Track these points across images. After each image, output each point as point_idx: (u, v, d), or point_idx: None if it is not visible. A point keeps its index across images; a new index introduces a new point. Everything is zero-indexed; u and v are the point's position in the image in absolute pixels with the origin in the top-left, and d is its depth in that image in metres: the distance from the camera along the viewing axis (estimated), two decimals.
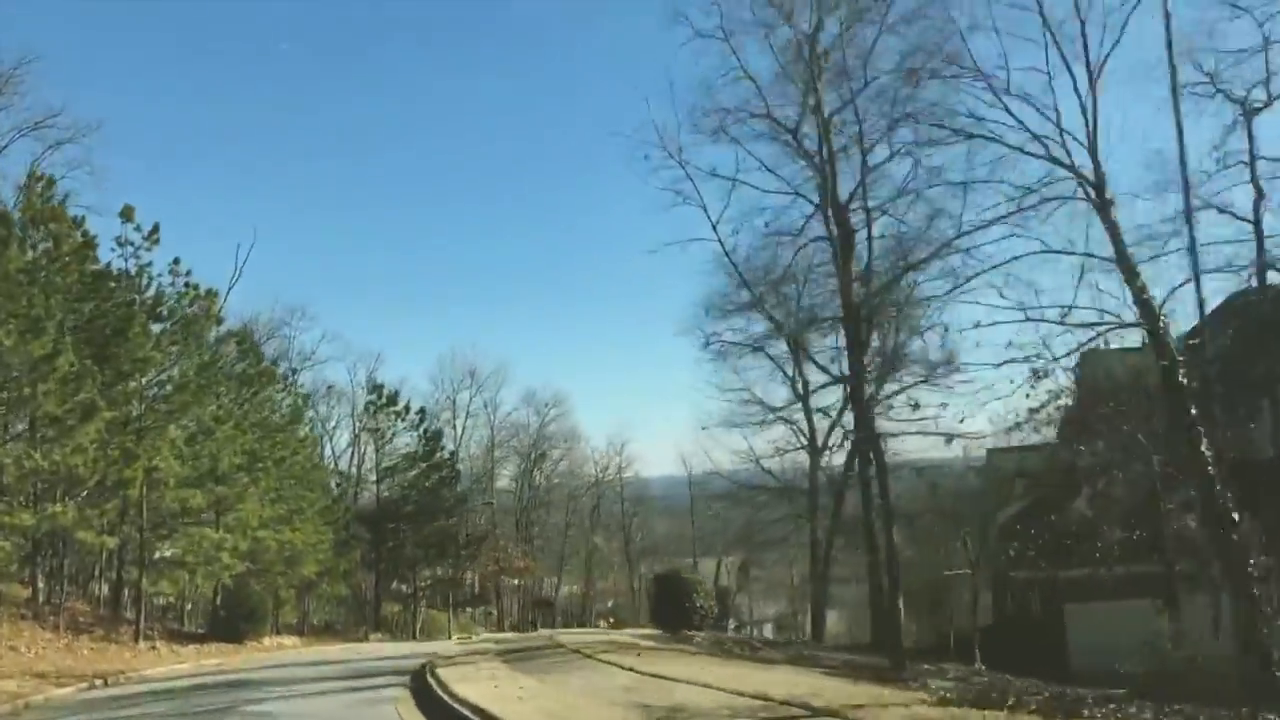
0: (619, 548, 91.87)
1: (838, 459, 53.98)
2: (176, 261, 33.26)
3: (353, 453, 65.68)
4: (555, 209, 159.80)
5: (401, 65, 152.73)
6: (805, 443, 53.46)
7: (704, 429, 57.03)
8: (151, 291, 31.57)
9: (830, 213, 39.68)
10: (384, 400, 55.85)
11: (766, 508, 58.94)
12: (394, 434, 56.44)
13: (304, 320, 66.03)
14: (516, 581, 67.74)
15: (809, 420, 53.75)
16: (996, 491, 39.41)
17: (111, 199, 65.07)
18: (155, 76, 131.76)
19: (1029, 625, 35.00)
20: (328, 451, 62.89)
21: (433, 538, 53.99)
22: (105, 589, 35.69)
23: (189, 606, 38.24)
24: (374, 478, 56.69)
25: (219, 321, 35.79)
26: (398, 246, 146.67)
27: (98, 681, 21.05)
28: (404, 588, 55.58)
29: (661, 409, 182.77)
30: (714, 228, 46.47)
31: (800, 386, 54.45)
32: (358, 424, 64.85)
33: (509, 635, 43.28)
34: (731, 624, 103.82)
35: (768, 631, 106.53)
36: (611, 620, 72.28)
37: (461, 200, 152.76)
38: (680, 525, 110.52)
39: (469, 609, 63.74)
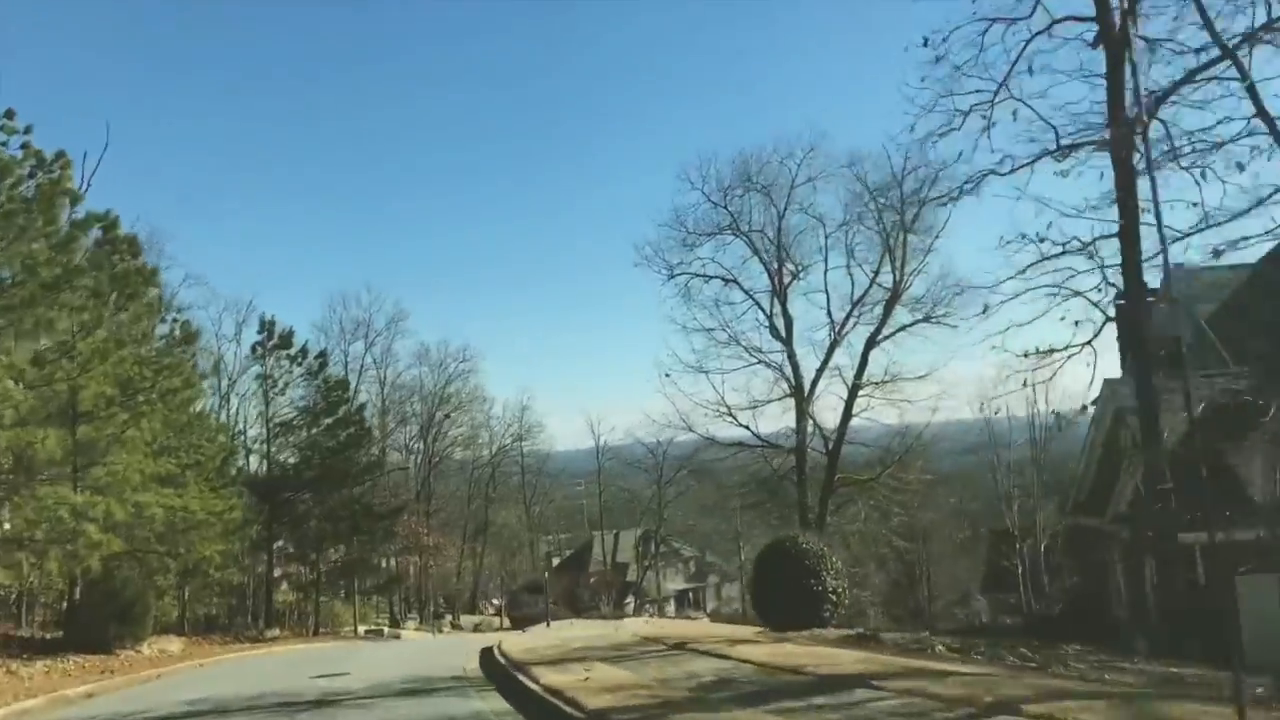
0: (521, 521, 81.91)
1: (826, 414, 46.46)
2: (9, 115, 22.36)
3: (225, 412, 53.70)
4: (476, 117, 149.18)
5: None
6: (789, 389, 45.16)
7: (666, 375, 47.54)
8: None
9: None
10: (276, 341, 44.42)
11: (742, 471, 50.32)
12: (287, 384, 45.06)
13: (162, 259, 53.68)
14: (425, 562, 57.07)
15: (793, 364, 45.49)
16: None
17: None
18: None
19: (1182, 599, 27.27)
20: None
21: (341, 510, 43.16)
22: None
23: (39, 602, 26.98)
24: (264, 438, 45.26)
25: (76, 200, 24.44)
26: (266, 172, 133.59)
27: None
28: (305, 572, 44.52)
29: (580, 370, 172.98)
30: None
31: (782, 325, 46.29)
32: (228, 381, 53.15)
33: (547, 639, 33.05)
34: (631, 601, 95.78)
35: (670, 610, 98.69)
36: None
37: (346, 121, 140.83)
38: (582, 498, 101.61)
39: (378, 596, 52.95)
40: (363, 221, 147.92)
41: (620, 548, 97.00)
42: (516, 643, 20.41)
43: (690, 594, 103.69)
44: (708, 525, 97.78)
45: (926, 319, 43.19)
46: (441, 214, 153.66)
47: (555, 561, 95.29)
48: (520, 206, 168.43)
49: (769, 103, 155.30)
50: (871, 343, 44.36)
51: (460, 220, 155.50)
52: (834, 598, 20.34)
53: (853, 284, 46.05)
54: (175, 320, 31.04)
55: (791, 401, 45.17)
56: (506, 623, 69.55)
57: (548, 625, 36.14)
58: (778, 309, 46.03)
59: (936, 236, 43.56)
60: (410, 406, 70.46)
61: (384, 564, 50.14)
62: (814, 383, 45.10)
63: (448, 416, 68.97)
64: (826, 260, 45.84)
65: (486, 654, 18.56)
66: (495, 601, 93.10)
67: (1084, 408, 24.40)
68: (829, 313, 45.66)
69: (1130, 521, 26.21)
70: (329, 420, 44.38)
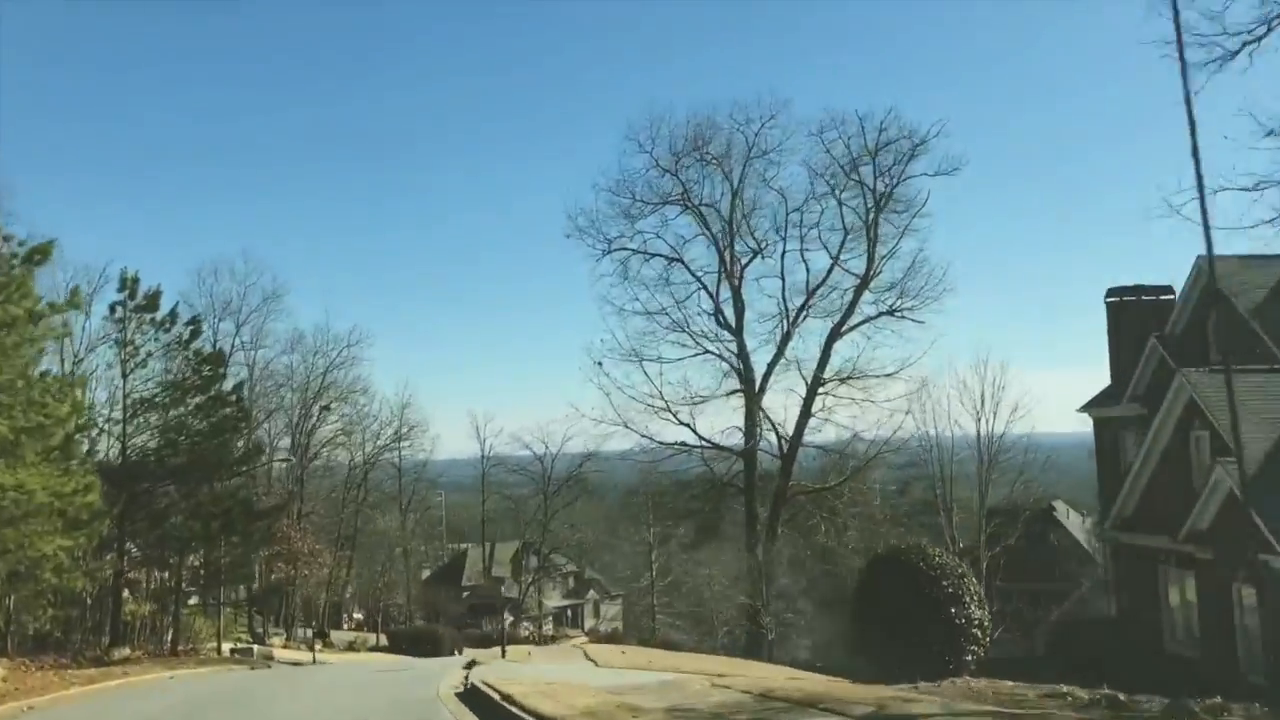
0: (398, 529, 74.43)
1: (778, 413, 41.35)
2: None
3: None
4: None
5: None
6: (740, 383, 39.94)
7: (598, 363, 41.84)
8: None
9: None
10: (140, 302, 36.64)
11: (669, 476, 44.70)
12: (150, 355, 37.24)
13: None
14: (298, 571, 49.46)
15: (743, 356, 40.36)
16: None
17: None
18: None
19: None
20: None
21: (212, 505, 35.69)
22: None
23: None
24: (118, 418, 37.27)
25: None
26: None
27: None
28: (163, 578, 36.80)
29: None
30: None
31: (732, 312, 41.11)
32: (74, 359, 44.58)
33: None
34: (508, 619, 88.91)
35: (548, 628, 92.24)
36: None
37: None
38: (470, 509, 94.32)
39: (237, 610, 45.19)
40: (238, 188, 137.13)
41: (496, 561, 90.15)
42: (524, 690, 14.23)
43: (569, 611, 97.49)
44: (589, 538, 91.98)
45: (890, 312, 38.80)
46: (330, 181, 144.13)
47: (425, 574, 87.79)
48: (426, 181, 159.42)
49: (728, 65, 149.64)
50: (835, 334, 39.83)
51: (354, 191, 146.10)
52: (978, 634, 14.96)
53: (808, 271, 41.54)
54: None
55: (738, 400, 40.08)
56: (383, 641, 62.15)
57: (503, 654, 28.99)
58: (727, 293, 41.02)
59: (915, 216, 39.29)
60: (284, 396, 62.42)
61: (264, 572, 42.65)
62: (765, 376, 40.21)
63: (325, 409, 61.23)
64: (785, 240, 41.16)
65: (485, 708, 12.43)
66: (357, 616, 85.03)
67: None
68: (783, 300, 41.01)
69: (1217, 542, 21.86)
70: (200, 399, 36.83)
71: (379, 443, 72.55)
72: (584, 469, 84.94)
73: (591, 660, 20.28)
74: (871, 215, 39.56)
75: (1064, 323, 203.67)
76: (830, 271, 40.50)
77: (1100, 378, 34.60)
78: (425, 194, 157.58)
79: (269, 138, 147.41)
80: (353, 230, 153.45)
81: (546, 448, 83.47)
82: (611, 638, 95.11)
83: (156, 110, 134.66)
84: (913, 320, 38.86)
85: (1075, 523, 56.30)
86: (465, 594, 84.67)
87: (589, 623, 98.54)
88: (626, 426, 42.65)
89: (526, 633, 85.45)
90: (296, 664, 35.22)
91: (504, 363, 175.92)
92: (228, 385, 39.13)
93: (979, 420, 45.95)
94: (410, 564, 76.10)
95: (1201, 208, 8.92)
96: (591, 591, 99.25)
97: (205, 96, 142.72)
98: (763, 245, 41.57)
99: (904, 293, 39.07)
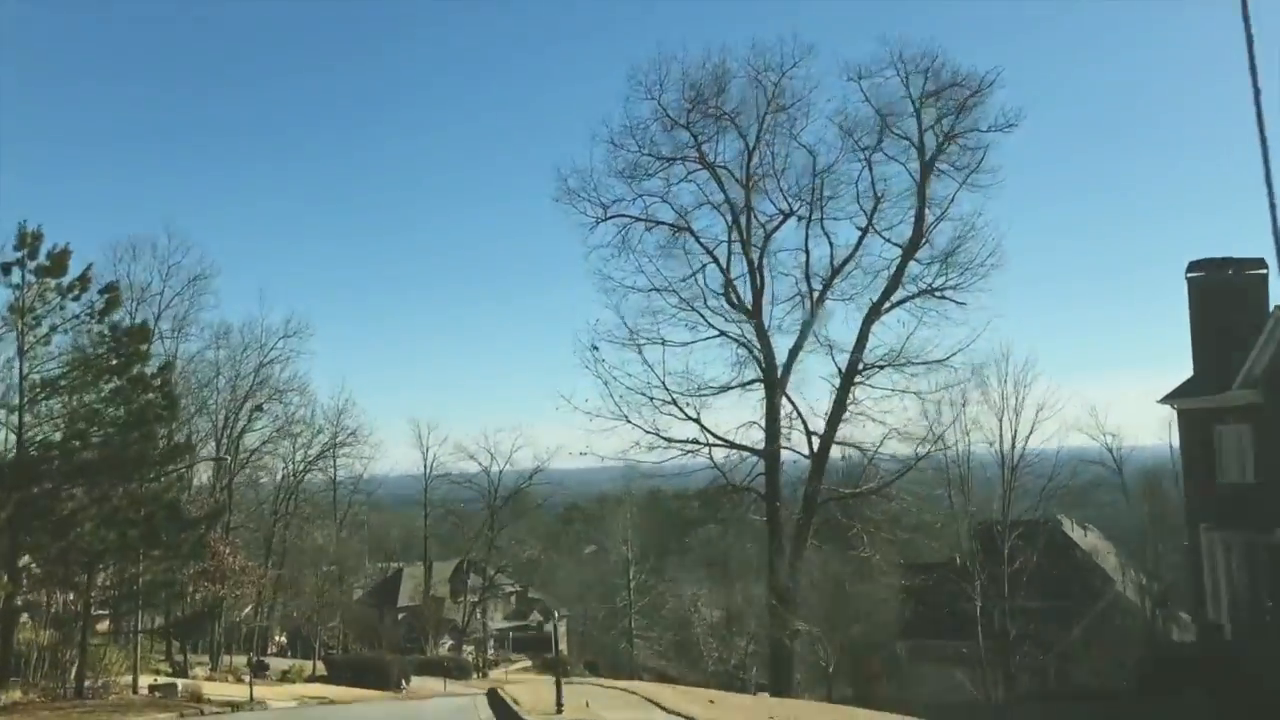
0: (333, 545, 67.18)
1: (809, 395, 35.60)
2: None
3: None
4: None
5: None
6: (760, 372, 34.39)
7: (593, 347, 35.94)
8: None
9: None
10: (44, 263, 29.72)
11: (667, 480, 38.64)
12: (55, 327, 30.33)
13: None
14: (228, 591, 42.27)
15: (763, 339, 34.84)
16: None
17: None
18: None
19: None
20: None
21: (131, 510, 28.85)
22: None
23: None
24: (11, 403, 30.20)
25: None
26: None
27: None
28: (69, 600, 29.78)
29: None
30: None
31: (748, 290, 35.62)
32: None
33: None
34: (447, 642, 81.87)
35: (490, 650, 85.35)
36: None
37: None
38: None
39: (172, 637, 38.10)
40: (165, 170, 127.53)
41: (435, 580, 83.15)
42: None
43: (511, 633, 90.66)
44: (540, 556, 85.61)
45: (931, 290, 33.66)
46: (264, 166, 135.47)
47: (356, 594, 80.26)
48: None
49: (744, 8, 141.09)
50: (876, 312, 34.51)
51: (288, 172, 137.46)
52: None
53: (831, 246, 36.08)
54: None
55: (754, 393, 34.57)
56: (320, 670, 55.00)
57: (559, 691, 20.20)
58: (741, 269, 35.50)
59: (972, 173, 34.08)
60: (208, 396, 55.06)
61: (192, 592, 35.69)
62: (788, 364, 34.65)
63: (258, 409, 54.08)
64: (812, 205, 35.64)
65: None
66: (280, 639, 77.38)
67: None
68: (806, 276, 35.56)
69: None
70: (116, 382, 30.03)
71: (311, 451, 65.39)
72: (533, 482, 78.95)
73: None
74: (920, 174, 34.50)
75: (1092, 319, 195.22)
76: (862, 240, 35.29)
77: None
78: (370, 173, 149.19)
79: (201, 117, 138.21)
80: (287, 218, 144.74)
81: (493, 459, 77.24)
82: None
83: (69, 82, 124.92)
84: (954, 301, 34.01)
85: (1080, 535, 51.65)
86: (401, 615, 77.60)
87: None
88: (628, 420, 36.74)
89: (470, 657, 78.76)
90: (233, 706, 28.48)
91: (450, 369, 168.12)
92: (152, 367, 32.32)
93: (1000, 421, 41.20)
94: (346, 584, 68.76)
95: None
96: (535, 613, 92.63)
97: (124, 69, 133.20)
98: (794, 206, 36.13)
99: (949, 265, 34.09)
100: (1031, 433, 40.02)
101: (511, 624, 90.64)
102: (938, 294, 34.15)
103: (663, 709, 14.96)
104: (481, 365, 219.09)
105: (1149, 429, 54.65)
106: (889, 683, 38.59)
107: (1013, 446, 41.02)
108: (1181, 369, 30.82)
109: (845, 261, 35.72)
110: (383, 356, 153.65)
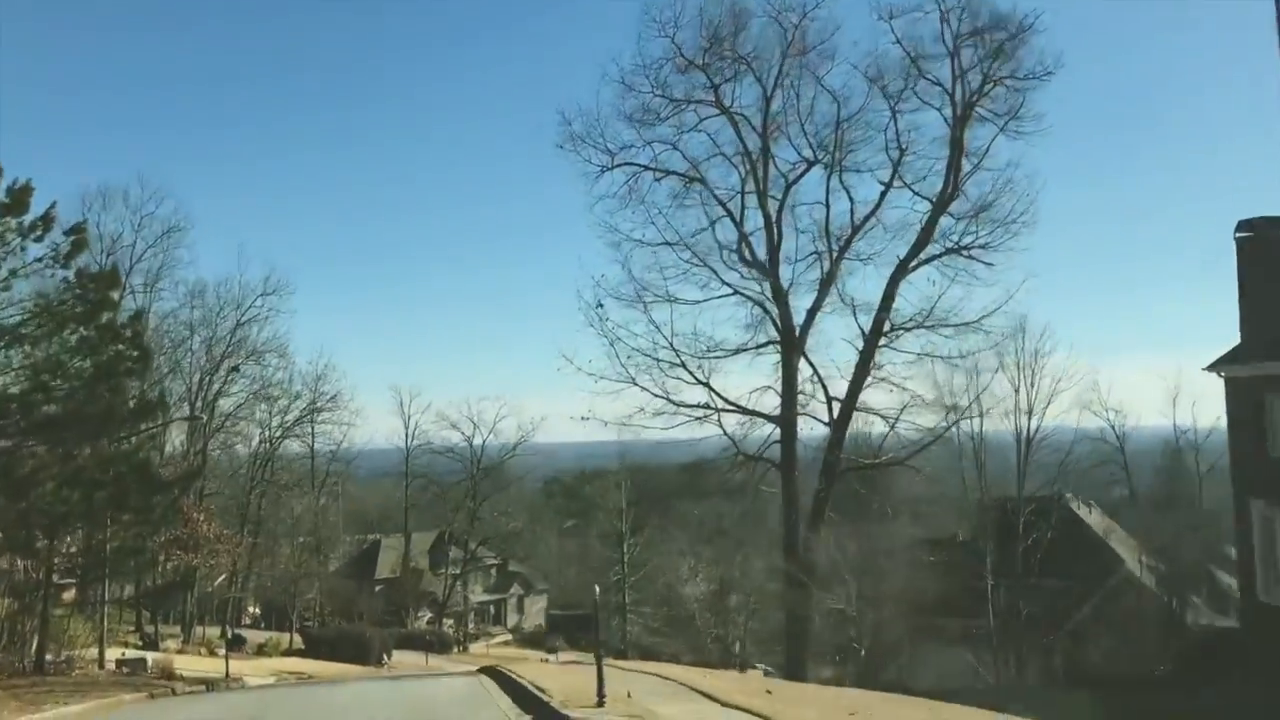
0: (313, 515, 64.68)
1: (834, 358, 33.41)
2: None
3: None
4: None
5: None
6: (776, 333, 32.22)
7: (598, 305, 33.67)
8: None
9: None
10: (3, 200, 26.91)
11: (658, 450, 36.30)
12: (14, 272, 27.56)
13: None
14: (203, 560, 39.74)
15: (780, 298, 32.58)
16: None
17: None
18: None
19: None
20: None
21: (100, 471, 26.33)
22: None
23: None
24: None
25: None
26: None
27: None
28: (29, 567, 27.26)
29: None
30: None
31: (763, 246, 33.25)
32: None
33: None
34: (425, 615, 79.64)
35: (470, 623, 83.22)
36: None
37: None
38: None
39: (142, 608, 35.60)
40: (135, 109, 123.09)
41: (414, 552, 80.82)
42: None
43: (492, 607, 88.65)
44: (523, 529, 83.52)
45: (959, 249, 31.45)
46: (243, 117, 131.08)
47: (333, 566, 77.65)
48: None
49: None
50: (903, 269, 32.27)
51: (270, 127, 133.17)
52: None
53: (851, 201, 33.72)
54: None
55: (767, 357, 32.36)
56: (298, 643, 52.72)
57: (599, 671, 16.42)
58: (758, 222, 33.21)
59: (1011, 119, 31.77)
60: (182, 356, 52.29)
61: (163, 560, 33.22)
62: (806, 326, 32.45)
63: (235, 370, 51.38)
64: (835, 156, 33.25)
65: None
66: (254, 610, 74.92)
67: None
68: (825, 231, 33.26)
69: None
70: (83, 331, 27.34)
71: (289, 417, 62.70)
72: (517, 453, 76.67)
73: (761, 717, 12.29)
74: (955, 120, 32.20)
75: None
76: (886, 194, 32.98)
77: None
78: (358, 129, 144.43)
79: (179, 66, 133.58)
80: (268, 176, 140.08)
81: (476, 429, 74.88)
82: (533, 638, 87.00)
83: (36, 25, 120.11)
84: (982, 262, 31.92)
85: (1085, 513, 49.95)
86: (379, 587, 75.24)
87: (512, 619, 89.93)
88: (634, 383, 34.44)
89: (451, 630, 76.64)
90: (207, 684, 26.14)
91: (435, 337, 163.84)
92: (123, 317, 29.74)
93: (1017, 392, 39.33)
94: (323, 555, 66.30)
95: None
96: (515, 586, 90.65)
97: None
98: (818, 155, 33.68)
99: (981, 221, 31.79)
100: (1050, 403, 38.31)
101: (491, 597, 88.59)
102: (965, 253, 32.00)
103: (717, 701, 12.79)
104: (467, 334, 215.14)
105: (1149, 408, 52.87)
106: (889, 665, 36.71)
107: (1029, 417, 39.28)
108: (1180, 350, 28.85)
109: (870, 215, 33.51)
110: (365, 323, 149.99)
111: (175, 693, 22.44)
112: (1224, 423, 29.44)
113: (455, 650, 69.70)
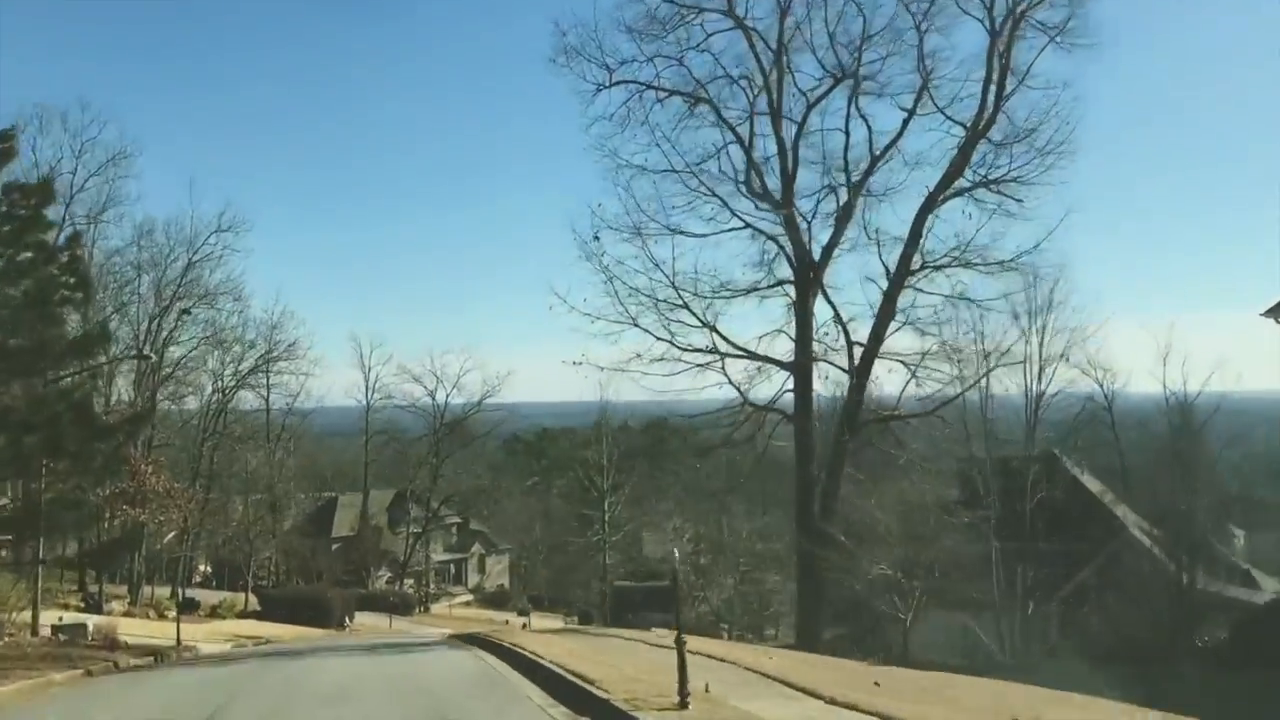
0: (270, 470, 61.05)
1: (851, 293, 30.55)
2: None
3: None
4: None
5: None
6: (791, 270, 29.19)
7: (595, 237, 30.47)
8: None
9: None
10: None
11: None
12: None
13: None
14: (152, 515, 36.06)
15: (794, 233, 29.47)
16: None
17: None
18: None
19: None
20: None
21: (32, 413, 22.81)
22: None
23: None
24: None
25: None
26: None
27: None
28: None
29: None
30: None
31: (786, 170, 29.99)
32: None
33: None
34: (385, 575, 76.41)
35: (431, 583, 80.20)
36: None
37: None
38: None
39: (85, 567, 32.13)
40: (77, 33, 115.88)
41: (372, 510, 77.43)
42: None
43: (452, 566, 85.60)
44: (488, 485, 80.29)
45: (988, 183, 28.53)
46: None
47: (287, 524, 73.99)
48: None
49: None
50: (932, 202, 29.33)
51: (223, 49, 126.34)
52: None
53: (869, 130, 30.61)
54: None
55: (777, 300, 29.37)
56: (254, 604, 49.36)
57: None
58: (769, 150, 30.06)
59: (1059, 33, 28.65)
60: (127, 299, 48.17)
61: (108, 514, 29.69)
62: (822, 264, 29.43)
63: (186, 312, 47.42)
64: (858, 76, 30.01)
65: None
66: (205, 568, 71.32)
67: None
68: (845, 162, 30.15)
69: None
70: (12, 252, 23.75)
71: (243, 365, 58.79)
72: (482, 409, 73.35)
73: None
74: (1000, 32, 29.10)
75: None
76: (910, 119, 29.87)
77: None
78: (318, 60, 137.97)
79: None
80: (222, 110, 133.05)
81: (440, 383, 71.49)
82: (497, 598, 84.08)
83: None
84: (1011, 198, 29.09)
85: (1079, 473, 47.75)
86: (335, 546, 71.77)
87: (473, 579, 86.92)
88: (635, 324, 31.32)
89: (411, 590, 73.56)
90: (157, 655, 22.90)
91: (396, 286, 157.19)
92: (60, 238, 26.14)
93: (1028, 344, 36.77)
94: (279, 512, 62.67)
95: None
96: (477, 545, 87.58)
97: None
98: (844, 67, 30.31)
99: (1016, 147, 28.71)
100: (1063, 355, 35.80)
101: (452, 556, 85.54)
102: (994, 188, 29.04)
103: (821, 698, 9.90)
104: (433, 285, 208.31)
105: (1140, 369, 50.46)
106: (889, 629, 34.31)
107: (1039, 373, 36.84)
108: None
109: (892, 143, 30.39)
110: (324, 271, 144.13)
111: (118, 667, 19.19)
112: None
113: (417, 611, 66.77)
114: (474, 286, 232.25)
